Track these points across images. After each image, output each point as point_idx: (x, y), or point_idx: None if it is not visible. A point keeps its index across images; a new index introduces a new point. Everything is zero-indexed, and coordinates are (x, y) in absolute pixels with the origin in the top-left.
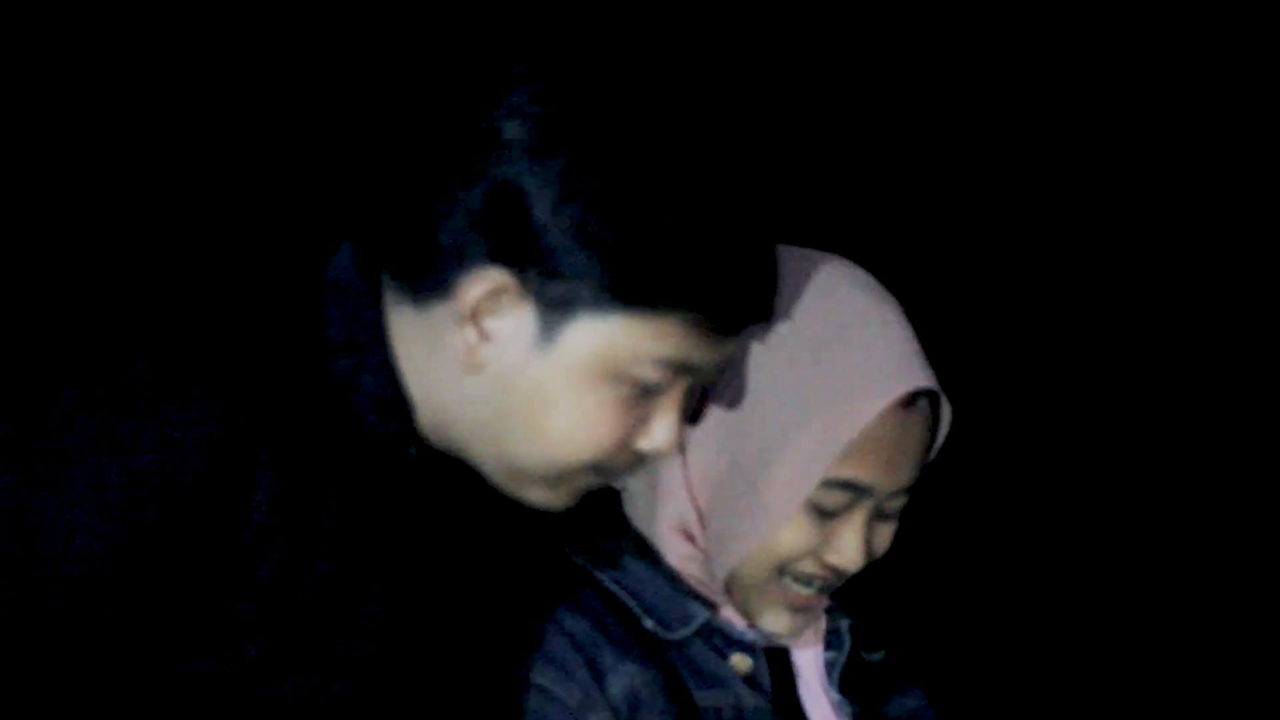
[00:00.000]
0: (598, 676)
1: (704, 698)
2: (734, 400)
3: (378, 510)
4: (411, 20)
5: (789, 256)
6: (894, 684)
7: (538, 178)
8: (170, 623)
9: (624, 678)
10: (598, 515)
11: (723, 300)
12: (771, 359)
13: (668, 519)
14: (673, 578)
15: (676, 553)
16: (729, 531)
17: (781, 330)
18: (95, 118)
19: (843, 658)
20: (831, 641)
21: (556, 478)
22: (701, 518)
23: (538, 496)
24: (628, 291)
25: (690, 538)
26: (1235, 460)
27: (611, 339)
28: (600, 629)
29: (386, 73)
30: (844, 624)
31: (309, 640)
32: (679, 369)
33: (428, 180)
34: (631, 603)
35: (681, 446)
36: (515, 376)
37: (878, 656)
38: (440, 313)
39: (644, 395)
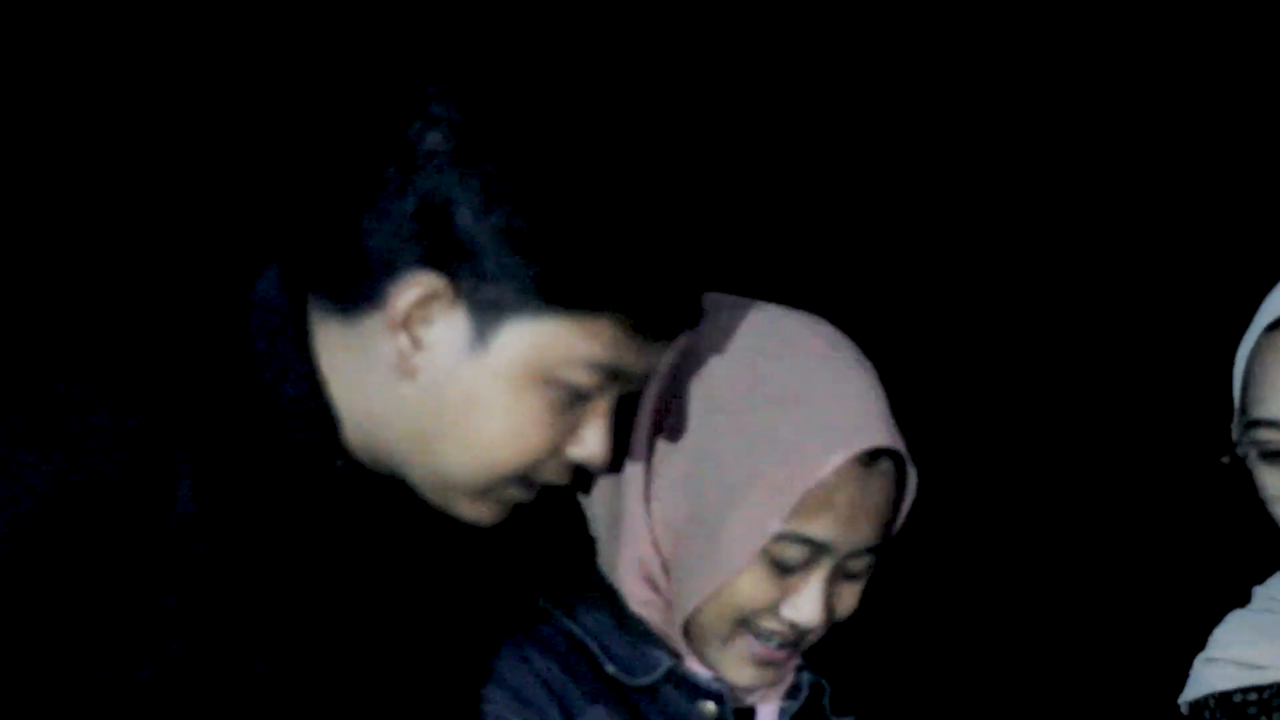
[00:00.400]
0: (568, 717)
1: None
2: (698, 448)
3: (303, 520)
4: (328, 34)
5: (759, 310)
6: None
7: (463, 186)
8: (90, 621)
9: (592, 718)
10: (567, 562)
11: (650, 302)
12: (735, 409)
13: (630, 565)
14: (636, 624)
15: (639, 599)
16: (687, 578)
17: (747, 381)
18: (33, 118)
19: (795, 707)
20: (790, 694)
21: (486, 487)
22: (665, 565)
23: (467, 510)
24: (558, 293)
25: (654, 585)
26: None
27: (543, 341)
28: (568, 672)
29: (305, 88)
30: (805, 677)
31: (231, 643)
32: (609, 373)
33: (350, 194)
34: (595, 648)
35: (646, 494)
36: (448, 381)
37: None
38: (370, 324)
39: (575, 401)
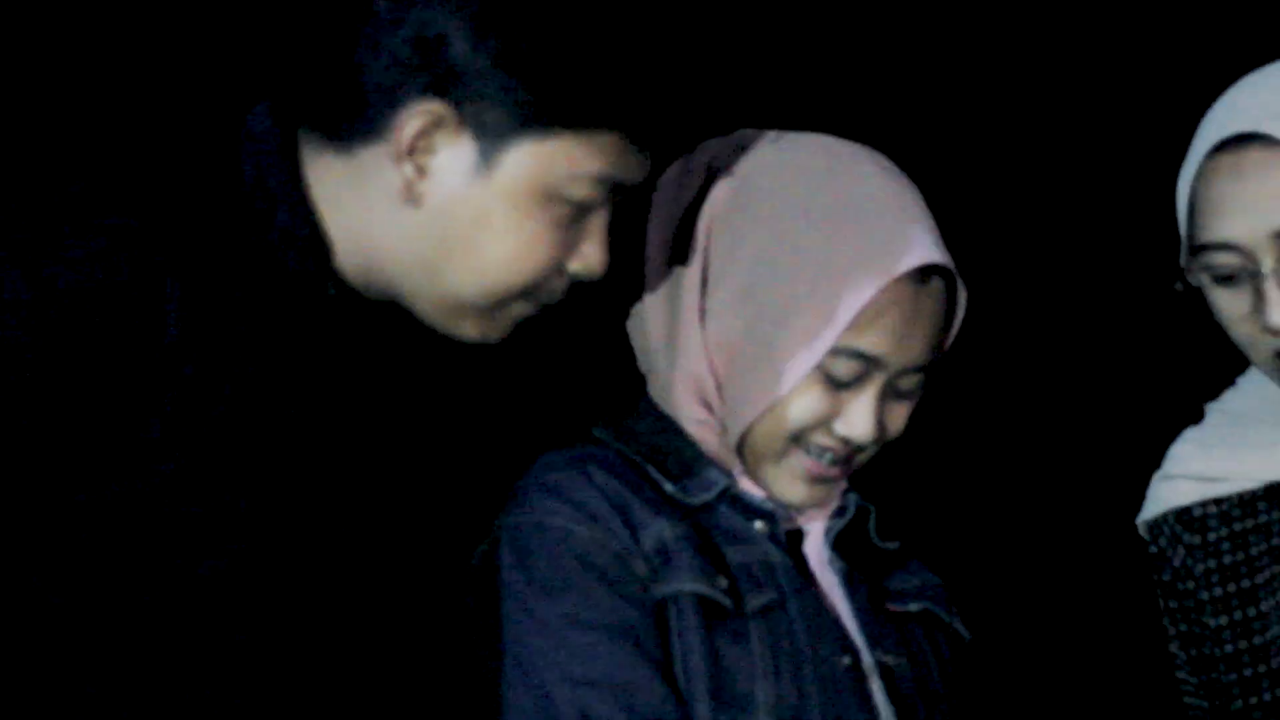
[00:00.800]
0: (631, 529)
1: (732, 553)
2: (752, 267)
3: (293, 346)
4: None
5: (807, 137)
6: (901, 564)
7: (456, 15)
8: (76, 436)
9: (655, 532)
10: (618, 396)
11: (645, 113)
12: (789, 228)
13: (686, 384)
14: (691, 446)
15: (693, 419)
16: (742, 395)
17: (800, 201)
18: None
19: (841, 525)
20: (837, 513)
21: (494, 305)
22: (719, 385)
23: (473, 330)
24: (561, 111)
25: (708, 406)
26: None
27: (548, 159)
28: (629, 487)
29: None
30: (852, 499)
31: (218, 468)
32: (609, 187)
33: (343, 29)
34: (654, 470)
35: (702, 313)
36: (457, 205)
37: (892, 545)
38: (369, 155)
39: (576, 217)
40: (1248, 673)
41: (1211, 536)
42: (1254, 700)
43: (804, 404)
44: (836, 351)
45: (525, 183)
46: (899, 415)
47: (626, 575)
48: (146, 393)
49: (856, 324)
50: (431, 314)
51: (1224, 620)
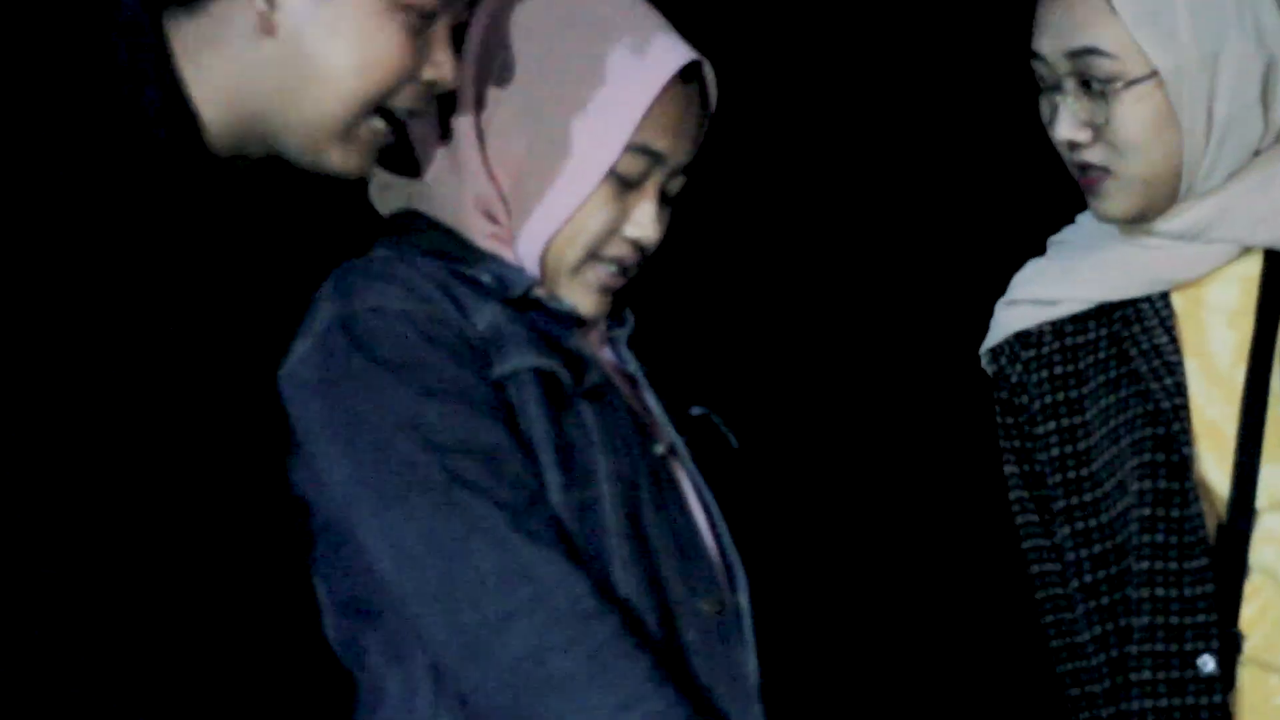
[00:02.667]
0: (463, 311)
1: (559, 342)
2: (530, 83)
3: (169, 223)
4: None
5: None
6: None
7: None
8: None
9: (488, 314)
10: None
11: None
12: (560, 43)
13: (471, 200)
14: (489, 254)
15: (484, 232)
16: (539, 208)
17: (563, 16)
18: None
19: (627, 331)
20: (618, 323)
21: (354, 120)
22: (504, 199)
23: (337, 156)
24: None
25: (494, 220)
26: None
27: None
28: (450, 275)
29: None
30: (627, 310)
31: (98, 344)
32: None
33: None
34: (465, 267)
35: (479, 133)
36: (308, 25)
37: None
38: (219, 6)
39: (422, 25)
40: (1070, 475)
41: (1045, 351)
42: (1074, 500)
43: (599, 214)
44: (630, 148)
45: None
46: (665, 219)
47: (468, 352)
48: (29, 269)
49: (643, 123)
50: (299, 145)
51: (1051, 426)
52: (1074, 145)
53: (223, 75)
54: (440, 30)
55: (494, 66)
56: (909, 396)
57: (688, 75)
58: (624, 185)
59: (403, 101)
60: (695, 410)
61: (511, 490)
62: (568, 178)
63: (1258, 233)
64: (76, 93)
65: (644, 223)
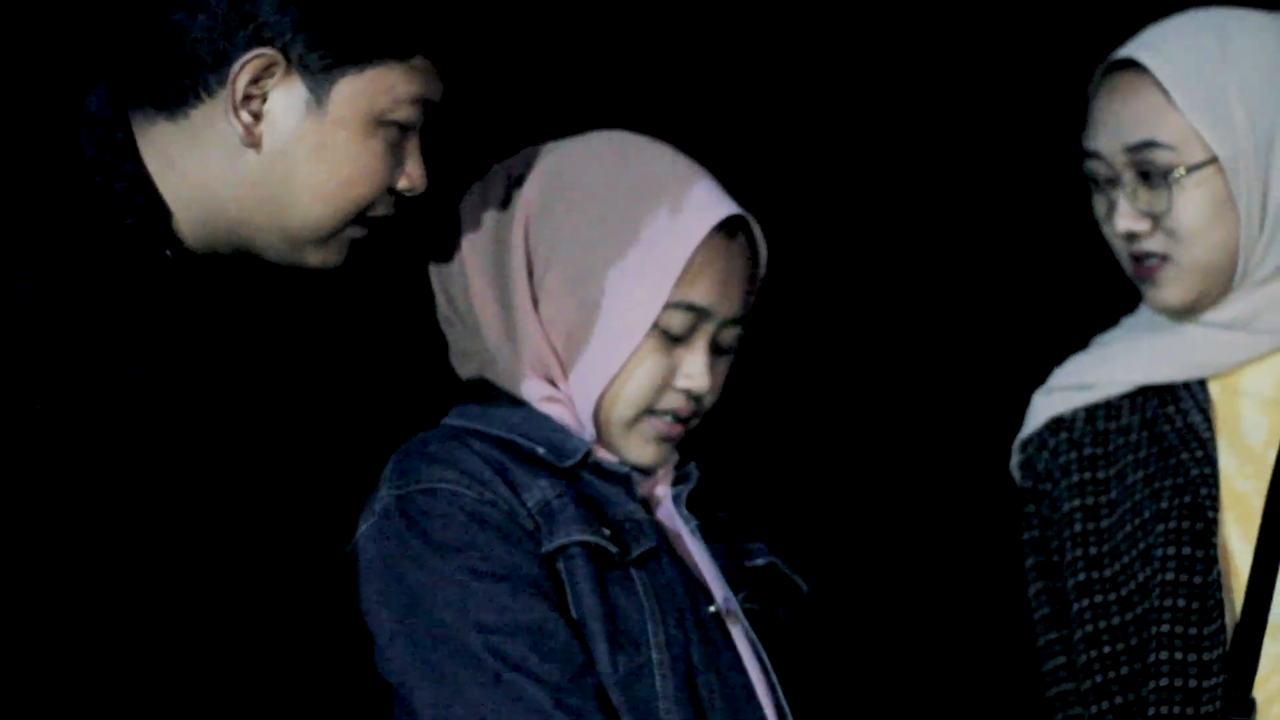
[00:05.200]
0: (514, 489)
1: (605, 511)
2: (577, 247)
3: (137, 311)
4: None
5: (595, 135)
6: (735, 528)
7: None
8: None
9: (538, 491)
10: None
11: (446, 38)
12: (604, 208)
13: (530, 368)
14: (548, 420)
15: (542, 397)
16: (589, 367)
17: (606, 182)
18: None
19: (689, 487)
20: (681, 479)
21: (335, 230)
22: (560, 362)
23: (316, 258)
24: (377, 44)
25: (554, 383)
26: None
27: (373, 88)
28: (505, 454)
29: None
30: (692, 465)
31: (74, 436)
32: (424, 105)
33: (159, 5)
34: (521, 439)
35: (534, 298)
36: (296, 142)
37: (723, 514)
38: (202, 113)
39: (399, 140)
40: (1091, 550)
41: (1076, 434)
42: (1094, 575)
43: (645, 365)
44: (669, 307)
45: (356, 112)
46: (722, 370)
47: (518, 531)
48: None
49: (683, 280)
50: (278, 248)
51: (1076, 503)
52: (1133, 236)
53: (197, 177)
54: (413, 140)
55: (545, 232)
56: (967, 534)
57: (731, 230)
58: (671, 340)
59: (377, 210)
60: (760, 560)
61: (556, 668)
62: (612, 336)
63: None
64: (45, 182)
65: (693, 374)
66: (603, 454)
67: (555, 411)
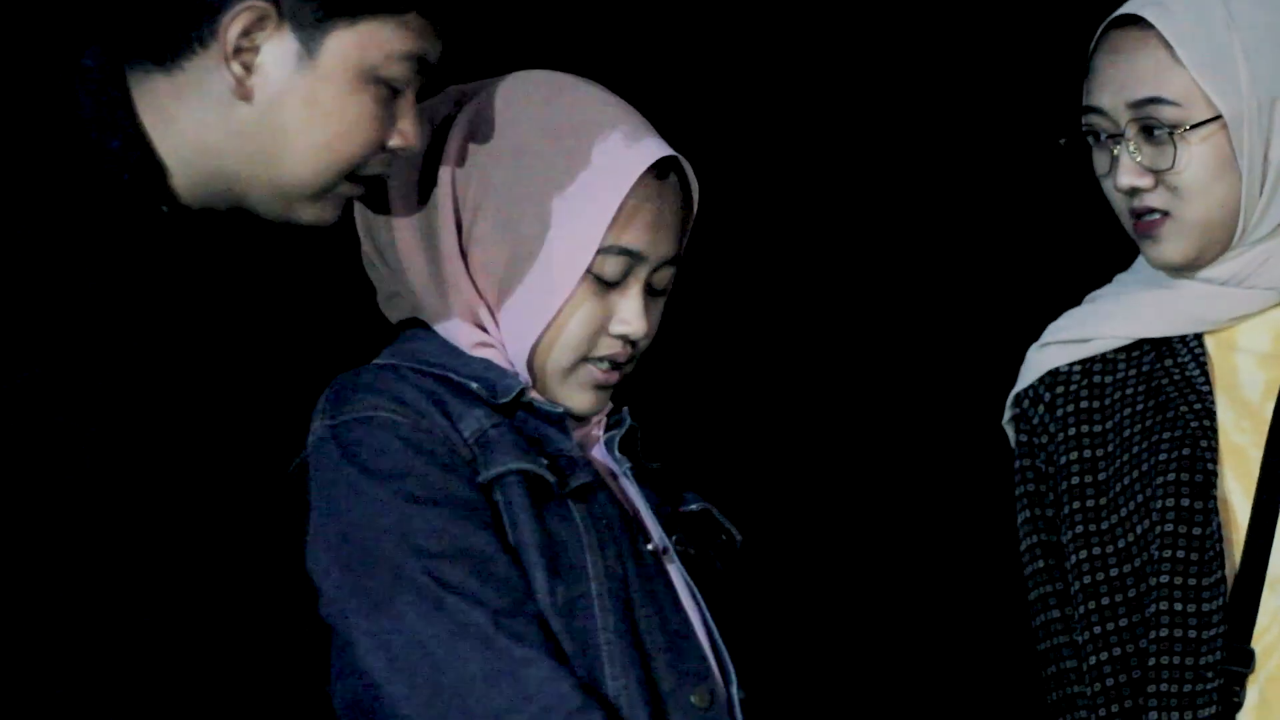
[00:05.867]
0: (450, 419)
1: (546, 446)
2: (505, 194)
3: (133, 265)
4: None
5: (526, 73)
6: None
7: None
8: None
9: (474, 421)
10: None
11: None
12: (531, 154)
13: (460, 315)
14: (481, 361)
15: (474, 340)
16: (522, 314)
17: (534, 126)
18: None
19: (622, 432)
20: (614, 424)
21: (327, 185)
22: (490, 309)
23: (309, 213)
24: None
25: (484, 329)
26: None
27: (364, 42)
28: (441, 384)
29: None
30: (625, 410)
31: (71, 390)
32: (416, 65)
33: None
34: (454, 375)
35: (462, 246)
36: (284, 94)
37: (655, 465)
38: (195, 65)
39: (391, 98)
40: (1089, 503)
41: (1072, 387)
42: (1091, 527)
43: (580, 312)
44: (602, 252)
45: (346, 66)
46: (657, 312)
47: (455, 459)
48: None
49: (616, 223)
50: (270, 203)
51: (1074, 456)
52: (1135, 191)
53: (192, 131)
54: (407, 99)
55: (472, 179)
56: (911, 488)
57: (663, 171)
58: (605, 285)
59: (370, 168)
60: (695, 505)
61: (497, 593)
62: (545, 283)
63: None
64: (40, 139)
65: (629, 318)
66: (536, 395)
67: (488, 356)
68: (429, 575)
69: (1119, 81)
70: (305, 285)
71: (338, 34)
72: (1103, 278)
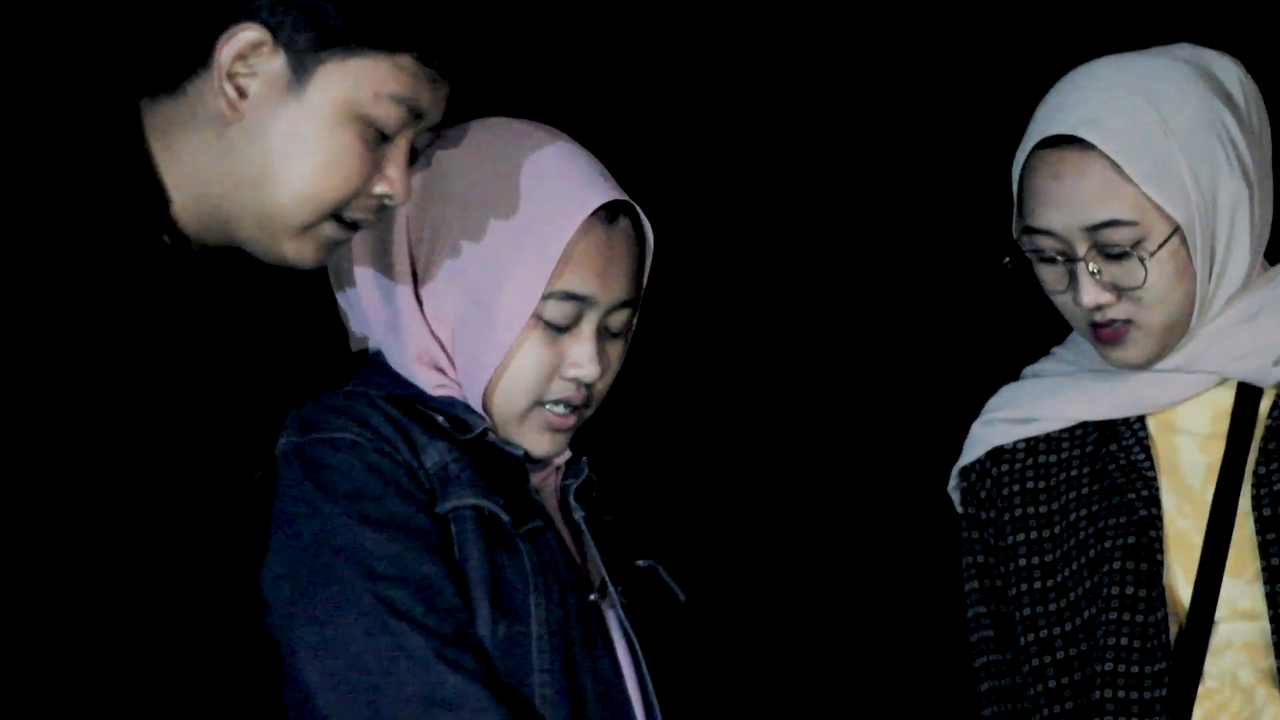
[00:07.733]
0: (413, 448)
1: (502, 486)
2: (457, 242)
3: (135, 295)
4: None
5: (482, 122)
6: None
7: None
8: None
9: (436, 454)
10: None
11: (441, 39)
12: (480, 203)
13: (416, 355)
14: (441, 400)
15: (434, 383)
16: (474, 358)
17: (485, 176)
18: None
19: (578, 481)
20: (573, 473)
21: (308, 222)
22: (446, 352)
23: (291, 250)
24: (366, 32)
25: (440, 370)
26: None
27: (354, 79)
28: (407, 414)
29: None
30: (584, 461)
31: (71, 419)
32: (409, 110)
33: None
34: (424, 407)
35: (417, 295)
36: (271, 122)
37: (607, 517)
38: (195, 86)
39: (379, 140)
40: (1036, 585)
41: (1018, 466)
42: (1039, 609)
43: (529, 355)
44: (549, 297)
45: (334, 99)
46: (615, 354)
47: (414, 487)
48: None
49: (562, 268)
50: (254, 235)
51: (1020, 538)
52: (1100, 307)
53: (190, 159)
54: (398, 146)
55: (425, 225)
56: (862, 553)
57: (612, 214)
58: (556, 329)
59: (354, 212)
60: (642, 562)
61: (440, 620)
62: (493, 328)
63: (1237, 367)
64: (48, 167)
65: (580, 361)
66: (495, 436)
67: (448, 397)
68: (376, 597)
69: (1069, 205)
70: (291, 316)
71: (329, 66)
72: (1039, 344)
